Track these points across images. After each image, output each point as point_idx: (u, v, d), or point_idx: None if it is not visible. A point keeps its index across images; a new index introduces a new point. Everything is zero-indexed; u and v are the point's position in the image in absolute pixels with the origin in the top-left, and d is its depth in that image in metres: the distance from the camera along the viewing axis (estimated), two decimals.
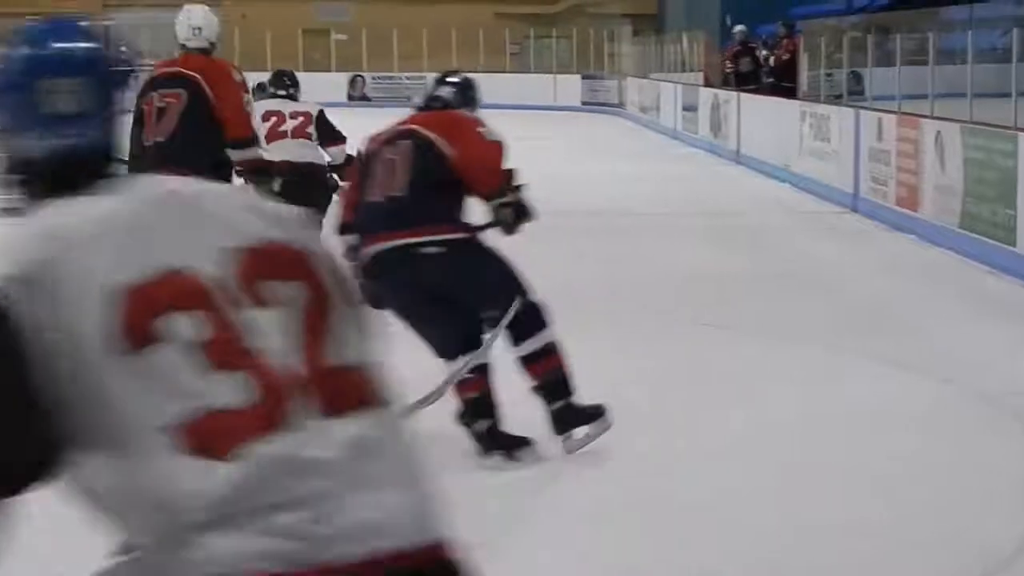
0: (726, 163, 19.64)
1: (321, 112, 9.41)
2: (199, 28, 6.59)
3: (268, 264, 1.82)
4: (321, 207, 8.26)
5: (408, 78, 37.43)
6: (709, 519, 4.86)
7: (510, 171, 5.54)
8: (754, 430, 5.94)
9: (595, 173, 16.92)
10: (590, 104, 35.03)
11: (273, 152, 8.10)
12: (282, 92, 9.53)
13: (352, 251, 5.36)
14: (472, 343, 5.28)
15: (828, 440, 5.85)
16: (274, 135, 8.89)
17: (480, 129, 5.58)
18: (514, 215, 5.43)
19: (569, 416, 5.35)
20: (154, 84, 6.34)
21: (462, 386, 5.23)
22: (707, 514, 4.90)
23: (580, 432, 5.37)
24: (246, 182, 6.49)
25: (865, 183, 13.38)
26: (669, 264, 10.58)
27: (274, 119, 9.00)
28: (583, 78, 36.43)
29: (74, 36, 2.08)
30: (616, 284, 9.50)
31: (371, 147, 5.61)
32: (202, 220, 1.84)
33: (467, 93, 5.88)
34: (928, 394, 6.72)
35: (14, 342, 1.70)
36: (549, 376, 5.35)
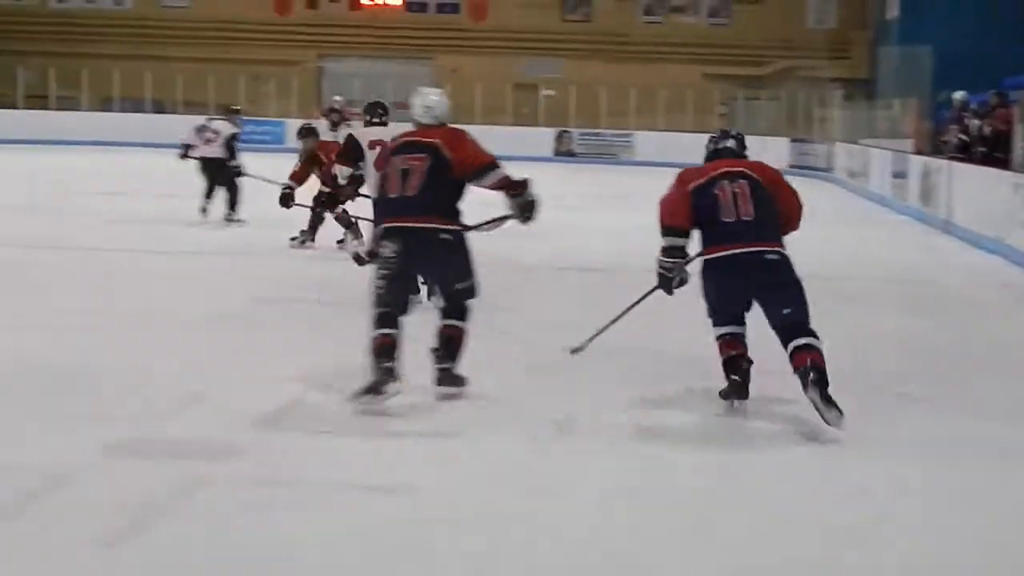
0: (935, 232, 19.30)
1: None
2: (430, 107, 7.78)
3: None
4: None
5: (614, 135, 37.61)
6: None
7: None
8: (946, 499, 5.83)
9: (802, 236, 16.70)
10: (798, 167, 34.74)
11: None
12: (376, 120, 11.18)
13: (677, 250, 7.47)
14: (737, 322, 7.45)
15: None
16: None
17: (788, 180, 7.82)
18: None
19: (829, 397, 6.81)
20: (397, 151, 7.62)
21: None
22: None
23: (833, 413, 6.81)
24: (508, 195, 7.54)
25: None
26: (873, 331, 10.40)
27: (380, 147, 10.02)
28: (791, 141, 36.21)
29: None
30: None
31: (701, 180, 7.50)
32: None
33: (743, 144, 7.90)
34: None
35: None
36: (818, 364, 6.92)
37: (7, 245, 13.80)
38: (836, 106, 36.32)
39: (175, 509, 5.21)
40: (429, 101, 7.79)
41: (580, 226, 17.24)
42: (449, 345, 7.46)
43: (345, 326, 8.57)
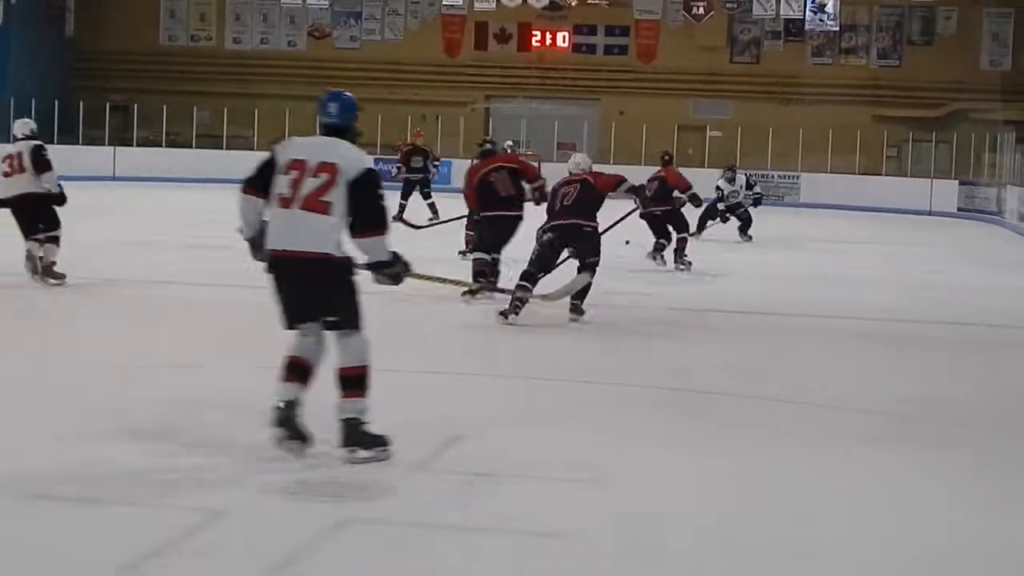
0: None
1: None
2: (579, 163, 12.71)
3: None
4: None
5: (779, 176, 37.30)
6: None
7: None
8: None
9: (968, 281, 16.59)
10: (966, 211, 34.20)
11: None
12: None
13: None
14: None
15: None
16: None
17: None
18: None
19: None
20: (559, 185, 12.28)
21: None
22: None
23: None
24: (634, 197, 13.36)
25: None
26: None
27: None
28: (960, 184, 35.62)
29: None
30: (979, 397, 9.19)
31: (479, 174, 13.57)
32: None
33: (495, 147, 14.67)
34: None
35: None
36: None
37: (180, 283, 14.05)
38: (1007, 149, 35.63)
39: (327, 549, 5.24)
40: (579, 159, 12.86)
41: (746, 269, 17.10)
42: (583, 291, 11.82)
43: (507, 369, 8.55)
